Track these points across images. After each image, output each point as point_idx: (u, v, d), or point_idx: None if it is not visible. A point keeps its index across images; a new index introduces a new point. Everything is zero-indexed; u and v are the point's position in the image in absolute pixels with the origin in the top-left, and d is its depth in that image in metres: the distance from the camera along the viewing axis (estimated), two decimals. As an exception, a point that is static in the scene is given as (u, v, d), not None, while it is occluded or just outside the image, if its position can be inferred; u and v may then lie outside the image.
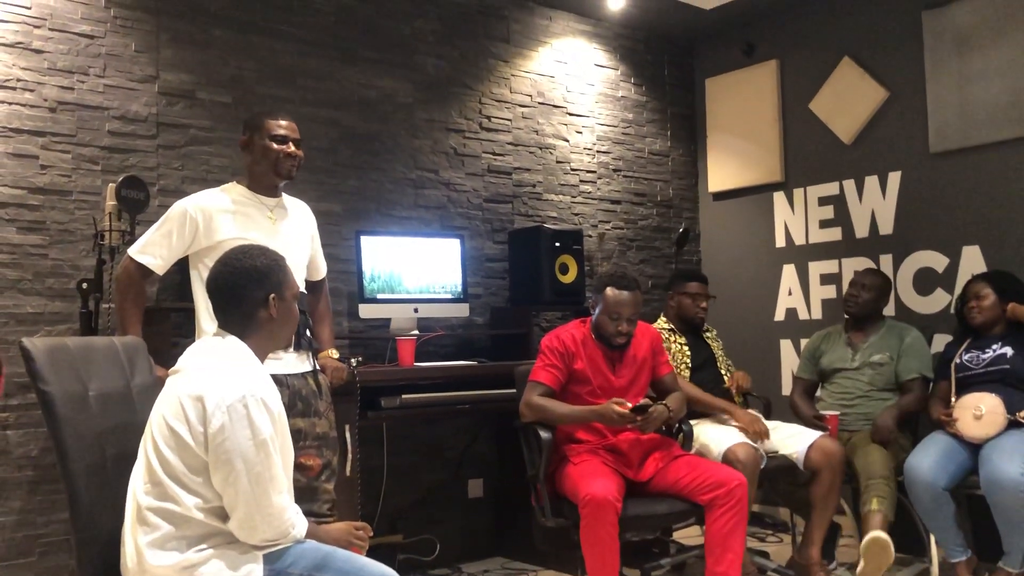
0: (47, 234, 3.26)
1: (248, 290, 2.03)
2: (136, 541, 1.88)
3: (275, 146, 2.82)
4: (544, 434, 3.15)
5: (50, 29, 3.30)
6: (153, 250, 2.77)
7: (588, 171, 4.90)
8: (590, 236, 4.82)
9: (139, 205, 3.13)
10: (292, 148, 2.85)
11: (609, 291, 3.23)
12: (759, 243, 5.07)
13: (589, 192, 4.89)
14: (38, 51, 3.27)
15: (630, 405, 3.05)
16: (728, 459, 3.35)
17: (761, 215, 5.06)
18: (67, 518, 2.07)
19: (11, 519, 3.14)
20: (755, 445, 3.45)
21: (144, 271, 2.78)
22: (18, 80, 3.22)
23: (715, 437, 3.47)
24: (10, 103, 3.20)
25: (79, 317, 3.13)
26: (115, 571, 1.96)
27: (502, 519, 4.29)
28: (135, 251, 2.79)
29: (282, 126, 2.85)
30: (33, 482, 3.17)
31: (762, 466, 3.39)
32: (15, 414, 3.15)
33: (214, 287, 2.07)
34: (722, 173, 5.24)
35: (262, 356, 2.06)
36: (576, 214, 4.82)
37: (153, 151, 3.52)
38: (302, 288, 2.83)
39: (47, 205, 3.27)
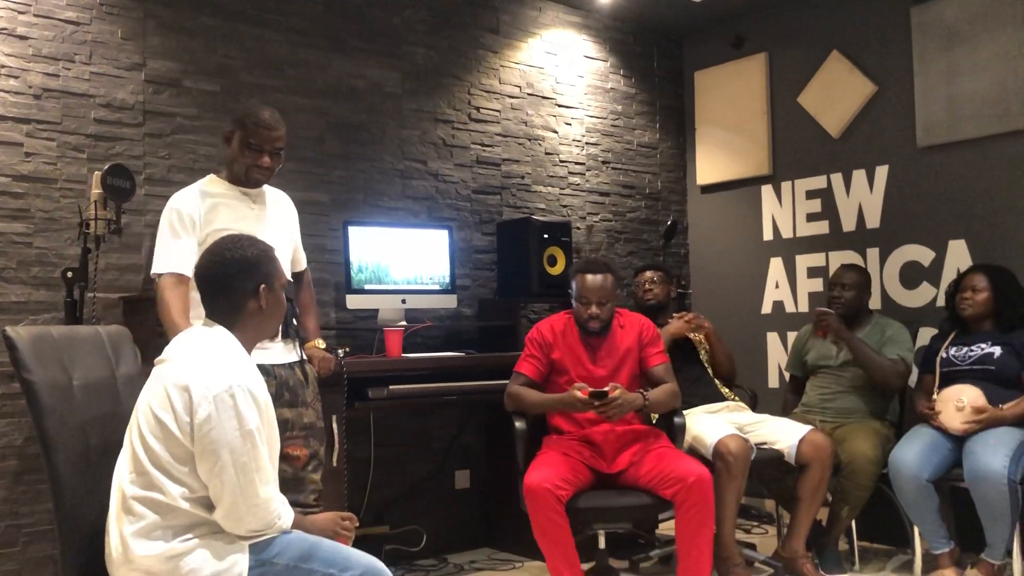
0: (32, 222, 3.23)
1: (238, 280, 2.02)
2: (121, 531, 1.88)
3: (247, 154, 2.76)
4: (518, 423, 3.26)
5: (35, 15, 3.27)
6: (174, 258, 2.69)
7: (577, 163, 4.89)
8: (579, 228, 4.82)
9: (125, 193, 3.11)
10: (266, 160, 2.77)
11: (578, 276, 3.29)
12: (746, 236, 5.08)
13: (578, 184, 4.89)
14: (23, 37, 3.24)
15: (595, 390, 3.05)
16: (719, 451, 3.36)
17: (749, 208, 5.07)
18: (51, 508, 2.05)
19: (-6, 509, 3.12)
20: (745, 436, 3.46)
21: (178, 279, 2.69)
22: (2, 67, 3.19)
23: (707, 429, 3.48)
24: (-6, 90, 3.17)
25: (64, 306, 3.10)
26: (100, 561, 1.95)
27: (489, 510, 4.30)
28: (159, 269, 2.69)
29: (261, 135, 2.76)
30: (17, 472, 3.15)
31: (752, 457, 3.40)
32: (2, 403, 3.13)
33: (203, 277, 2.06)
34: (710, 166, 5.25)
35: (249, 347, 2.05)
36: (565, 206, 4.82)
37: (139, 139, 3.49)
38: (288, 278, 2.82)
39: (32, 193, 3.24)
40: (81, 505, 1.99)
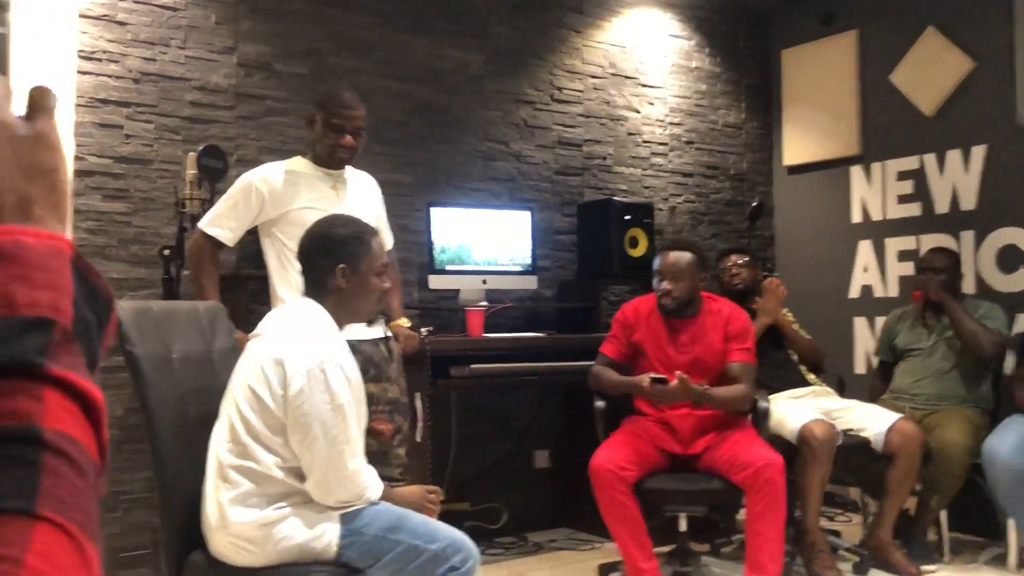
0: (131, 202, 3.36)
1: (318, 258, 2.09)
2: (218, 498, 1.95)
3: (330, 135, 2.84)
4: (598, 403, 3.28)
5: (134, 2, 3.38)
6: (221, 222, 2.85)
7: (660, 143, 4.84)
8: (661, 210, 4.77)
9: (218, 174, 3.20)
10: (348, 140, 2.85)
11: (659, 252, 3.26)
12: (834, 218, 4.96)
13: (660, 165, 4.84)
14: (122, 23, 3.36)
15: (659, 375, 3.01)
16: (803, 436, 3.31)
17: (837, 190, 4.95)
18: (150, 476, 2.15)
19: (97, 476, 3.26)
20: (831, 421, 3.40)
21: (215, 242, 2.86)
22: (104, 52, 3.32)
23: (790, 414, 3.43)
24: (97, 74, 3.30)
25: (161, 283, 3.22)
26: (197, 527, 2.03)
27: (568, 490, 4.31)
28: (205, 224, 2.87)
29: (342, 115, 2.84)
30: (118, 441, 3.30)
31: (838, 444, 3.34)
32: (101, 376, 3.25)
33: (298, 251, 2.13)
34: (797, 146, 5.13)
35: (341, 324, 2.10)
36: (647, 187, 4.77)
37: (232, 121, 3.59)
38: None
39: (131, 174, 3.37)
40: (180, 473, 2.08)
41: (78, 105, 3.26)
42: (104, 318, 0.58)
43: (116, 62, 3.34)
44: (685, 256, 3.19)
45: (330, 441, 1.92)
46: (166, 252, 3.20)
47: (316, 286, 2.09)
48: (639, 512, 2.96)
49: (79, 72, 3.26)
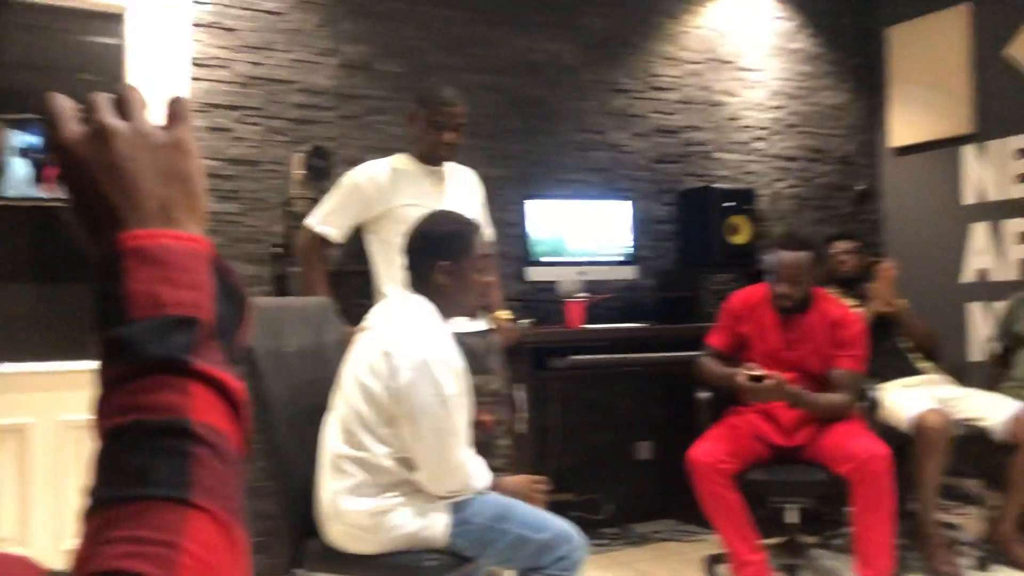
0: (241, 202, 3.49)
1: (421, 255, 2.13)
2: (331, 488, 2.01)
3: (433, 132, 2.89)
4: (701, 394, 3.23)
5: (241, 8, 3.50)
6: (329, 220, 2.93)
7: (761, 128, 4.73)
8: (763, 195, 4.67)
9: (323, 173, 3.29)
10: (450, 136, 2.90)
11: (774, 250, 3.14)
12: (945, 200, 4.76)
13: (762, 150, 4.73)
14: (230, 29, 3.48)
15: (756, 372, 2.93)
16: (917, 426, 3.20)
17: (948, 170, 4.74)
18: (266, 465, 2.23)
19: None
20: (947, 411, 3.27)
21: (323, 240, 2.94)
22: (213, 58, 3.45)
23: (903, 404, 3.32)
24: (208, 80, 3.43)
25: (272, 280, 3.34)
26: (312, 516, 2.09)
27: (672, 481, 4.26)
28: (313, 222, 2.95)
29: (443, 112, 2.89)
30: (234, 432, 3.43)
31: (955, 433, 3.21)
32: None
33: (404, 247, 2.18)
34: (906, 127, 4.94)
35: (445, 317, 2.13)
36: (748, 173, 4.68)
37: (334, 121, 3.68)
38: None
39: (240, 175, 3.49)
40: (294, 463, 2.15)
41: (191, 111, 3.39)
42: (241, 315, 0.61)
43: (225, 67, 3.47)
44: (804, 256, 3.04)
45: (438, 433, 1.95)
46: (276, 250, 3.31)
47: (420, 281, 2.13)
48: (741, 504, 2.92)
49: (192, 79, 3.40)
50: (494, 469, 2.80)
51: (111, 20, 3.38)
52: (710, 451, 2.96)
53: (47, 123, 0.63)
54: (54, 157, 0.63)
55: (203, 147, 3.41)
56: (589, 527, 4.03)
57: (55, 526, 3.18)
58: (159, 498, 0.49)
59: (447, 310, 2.14)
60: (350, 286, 3.51)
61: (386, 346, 1.99)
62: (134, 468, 0.50)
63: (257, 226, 3.50)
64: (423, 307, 2.09)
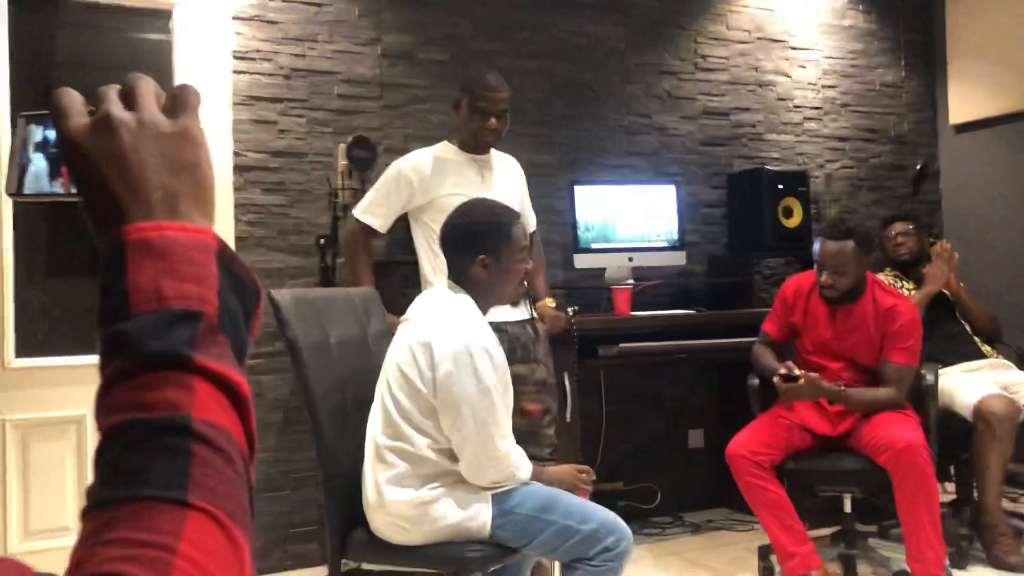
0: (287, 194, 3.50)
1: (459, 249, 2.10)
2: (375, 478, 2.01)
3: (476, 118, 2.86)
4: (752, 381, 3.19)
5: (283, 1, 3.51)
6: (374, 210, 2.93)
7: (813, 108, 4.62)
8: (816, 177, 4.56)
9: (367, 164, 3.29)
10: (494, 122, 2.87)
11: (818, 239, 3.03)
12: (1010, 178, 4.59)
13: (814, 130, 4.62)
14: (272, 22, 3.49)
15: (786, 372, 2.85)
16: (980, 412, 3.09)
17: (1012, 147, 4.57)
18: (314, 456, 2.23)
19: (267, 456, 3.45)
20: (1011, 396, 3.16)
21: (368, 230, 2.95)
22: (257, 51, 3.46)
23: (965, 389, 3.21)
24: (251, 73, 3.45)
25: (318, 271, 3.35)
26: (358, 504, 2.10)
27: (725, 470, 4.20)
28: (358, 212, 2.96)
29: (487, 97, 2.86)
30: (284, 423, 3.46)
31: (1020, 420, 3.10)
32: (268, 361, 3.44)
33: (441, 239, 2.16)
34: (966, 103, 4.78)
35: (484, 309, 2.11)
36: (800, 154, 4.57)
37: (377, 111, 3.67)
38: None
39: (286, 167, 3.51)
40: (340, 453, 2.15)
41: (235, 103, 3.42)
42: (251, 308, 0.59)
43: (268, 60, 3.48)
44: (847, 246, 2.92)
45: (479, 423, 1.93)
46: (322, 241, 3.32)
47: (459, 274, 2.11)
48: (783, 495, 2.87)
49: (234, 72, 3.42)
50: (541, 459, 2.80)
51: (160, 16, 3.42)
52: (745, 443, 2.92)
53: (55, 116, 0.62)
54: (61, 150, 0.62)
55: (248, 140, 3.44)
56: (640, 516, 4.01)
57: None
58: (157, 499, 0.47)
59: (487, 301, 2.12)
60: (397, 275, 3.51)
61: (426, 337, 1.98)
62: (133, 468, 0.49)
63: (303, 217, 3.52)
64: (462, 299, 2.07)
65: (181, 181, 0.59)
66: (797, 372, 2.84)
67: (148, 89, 0.62)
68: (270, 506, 3.44)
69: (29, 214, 3.23)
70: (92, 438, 3.22)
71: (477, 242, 2.09)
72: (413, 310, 2.12)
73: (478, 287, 2.09)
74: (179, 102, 0.62)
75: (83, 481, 3.21)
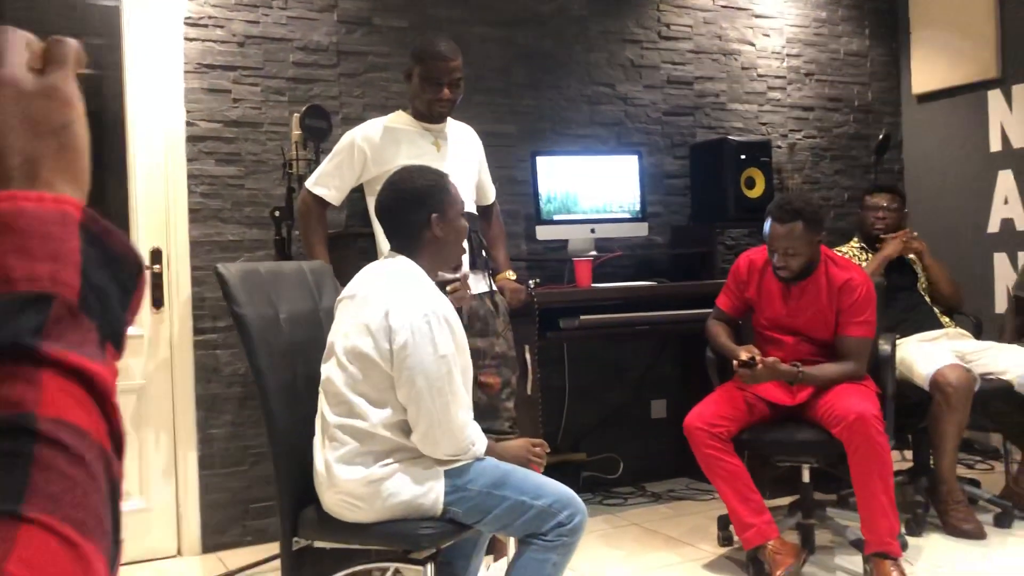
0: (242, 165, 3.43)
1: (410, 212, 2.07)
2: (325, 456, 1.98)
3: (428, 88, 2.80)
4: (709, 353, 3.21)
5: (235, -35, 3.41)
6: (326, 181, 2.87)
7: (777, 77, 4.59)
8: (779, 147, 4.55)
9: (322, 134, 3.22)
10: (446, 92, 2.81)
11: (768, 220, 2.98)
12: (970, 148, 4.61)
13: (778, 100, 4.60)
14: (236, -12, 3.39)
15: (752, 356, 2.84)
16: (936, 382, 3.11)
17: (973, 117, 4.59)
18: (263, 434, 2.19)
19: (224, 431, 3.40)
20: (967, 365, 3.19)
21: (321, 202, 2.88)
22: (209, 17, 3.37)
23: (922, 359, 3.23)
24: (203, 40, 3.36)
25: (274, 244, 3.29)
26: (310, 481, 2.06)
27: (686, 441, 4.22)
28: (311, 184, 2.90)
29: (439, 67, 2.79)
30: (241, 398, 3.41)
31: (976, 389, 3.13)
32: (223, 335, 3.38)
33: (380, 211, 2.12)
34: (928, 73, 4.77)
35: (432, 275, 2.08)
36: (764, 123, 4.55)
37: (335, 80, 3.60)
38: (469, 210, 2.83)
39: (241, 137, 3.43)
40: (291, 429, 2.12)
41: (186, 71, 3.33)
42: (130, 285, 0.53)
43: (221, 27, 3.39)
44: (796, 228, 2.88)
45: (435, 394, 1.91)
46: (276, 213, 3.25)
47: (408, 240, 2.07)
48: (741, 466, 2.88)
49: (186, 39, 3.33)
50: (500, 432, 2.78)
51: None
52: (702, 415, 2.92)
53: None
54: None
55: (201, 109, 3.36)
56: (603, 486, 4.02)
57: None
58: None
59: (436, 264, 2.10)
60: (355, 247, 3.46)
61: (380, 308, 1.94)
62: None
63: (259, 189, 3.45)
64: (409, 268, 2.03)
65: (45, 145, 0.53)
66: (757, 358, 2.83)
67: (14, 42, 0.56)
68: (228, 482, 3.40)
69: None
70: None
71: (426, 202, 2.06)
72: (359, 285, 2.07)
73: (430, 250, 2.07)
74: (51, 57, 0.56)
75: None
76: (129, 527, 3.27)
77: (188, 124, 3.34)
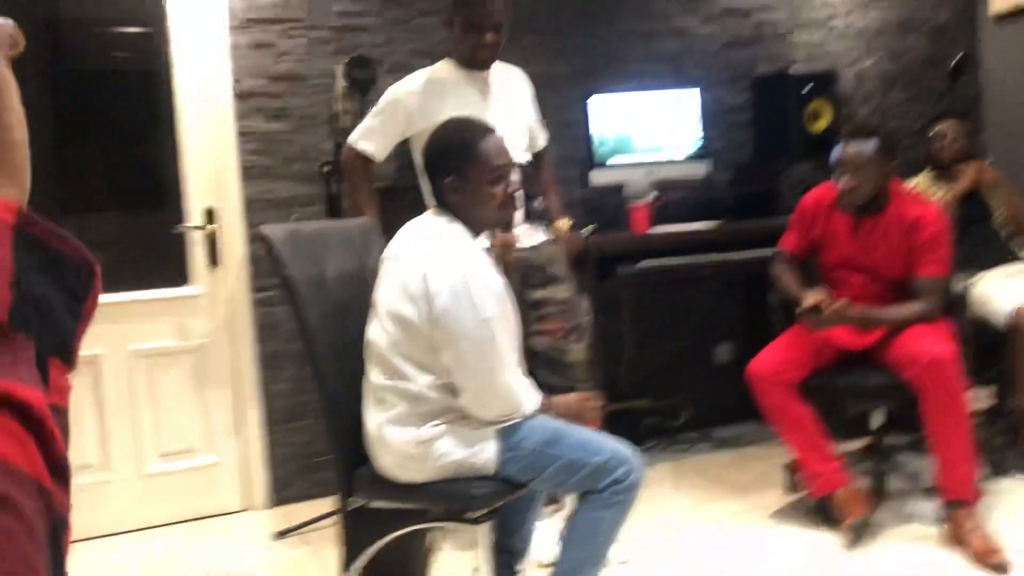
0: (290, 120, 3.39)
1: (433, 172, 2.02)
2: (375, 418, 1.96)
3: (469, 35, 2.70)
4: (771, 297, 3.09)
5: (273, -86, 3.33)
6: (371, 137, 2.81)
7: (841, 2, 4.35)
8: (846, 77, 4.32)
9: (367, 85, 3.16)
10: (489, 38, 2.70)
11: (839, 144, 2.84)
12: (1056, 67, 4.31)
13: (843, 26, 4.36)
14: (264, -62, 3.32)
15: (812, 302, 2.73)
16: (1018, 321, 2.95)
17: (1059, 33, 4.28)
18: (315, 396, 2.18)
19: (286, 387, 3.43)
20: None
21: (366, 157, 2.82)
22: (251, -30, 3.31)
23: (1002, 295, 3.06)
24: (245, -6, 3.30)
25: (324, 199, 3.26)
26: (361, 442, 2.04)
27: (753, 384, 4.13)
28: (354, 139, 2.84)
29: (480, 13, 2.68)
30: (301, 354, 3.41)
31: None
32: (280, 292, 3.38)
33: (419, 167, 2.06)
34: (1009, -12, 4.46)
35: (474, 233, 2.01)
36: (828, 52, 4.32)
37: (381, 27, 3.51)
38: (519, 159, 2.74)
39: (288, 92, 3.38)
40: (342, 390, 2.09)
41: (231, 27, 3.29)
42: (80, 289, 0.48)
43: (262, -21, 3.33)
44: (868, 146, 2.75)
45: (479, 356, 1.86)
46: (325, 168, 3.22)
47: (437, 197, 2.02)
48: (808, 414, 2.78)
49: (228, -6, 3.28)
50: (570, 378, 2.74)
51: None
52: (767, 361, 2.83)
53: None
54: None
55: (248, 65, 3.31)
56: (666, 433, 3.96)
57: (133, 452, 3.27)
58: None
59: (473, 225, 2.01)
60: (406, 201, 3.40)
61: (419, 270, 1.89)
62: None
63: (309, 144, 3.41)
64: (449, 227, 1.97)
65: None
66: (821, 299, 2.72)
67: None
68: (292, 437, 3.44)
69: (74, 147, 3.18)
70: (109, 378, 3.21)
71: (444, 162, 1.99)
72: (400, 244, 2.02)
73: (458, 211, 1.99)
74: None
75: (103, 419, 3.22)
76: (197, 483, 3.34)
77: (235, 81, 3.30)
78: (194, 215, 3.31)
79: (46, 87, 3.26)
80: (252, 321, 3.38)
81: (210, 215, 3.31)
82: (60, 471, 0.45)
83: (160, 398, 3.29)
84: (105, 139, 3.35)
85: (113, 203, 3.42)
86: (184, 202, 3.30)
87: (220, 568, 2.89)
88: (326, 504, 3.26)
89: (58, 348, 0.46)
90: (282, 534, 3.12)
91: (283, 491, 3.43)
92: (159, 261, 3.35)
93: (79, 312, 0.48)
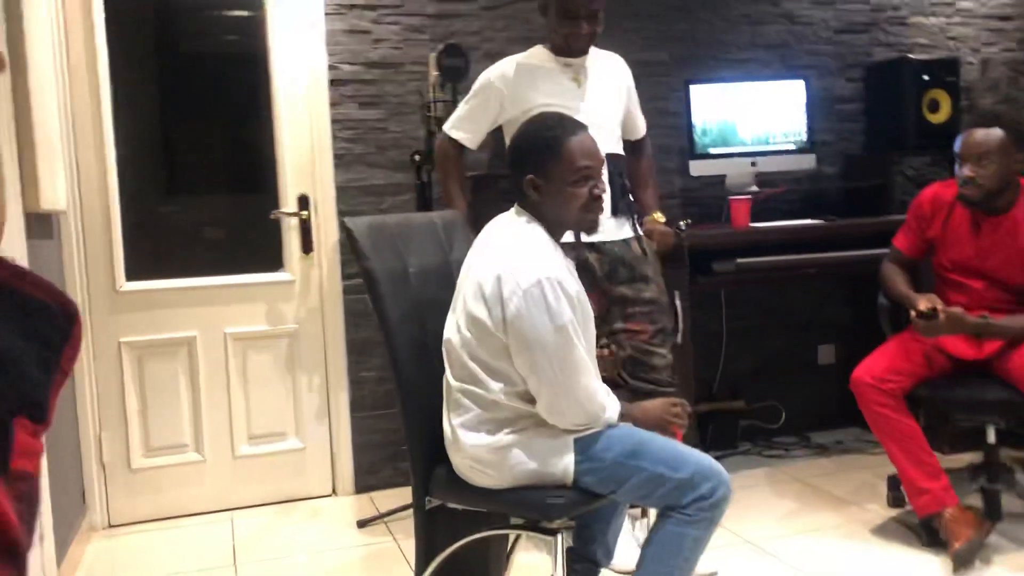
0: (385, 108, 3.37)
1: (514, 167, 1.94)
2: (450, 420, 1.91)
3: (565, 23, 2.59)
4: (881, 299, 2.92)
5: (371, -101, 3.31)
6: (464, 124, 2.74)
7: (969, -17, 4.07)
8: (970, 64, 4.04)
9: (459, 73, 3.11)
10: (584, 27, 2.59)
11: (962, 133, 2.64)
12: None
13: (969, 10, 4.07)
14: (362, -76, 3.30)
15: (933, 307, 2.53)
16: None
17: None
18: (394, 392, 2.14)
19: (374, 374, 3.43)
20: None
21: (459, 145, 2.76)
22: (347, -44, 3.29)
23: None
24: (342, -20, 3.29)
25: (416, 188, 3.23)
26: (440, 440, 2.00)
27: (856, 388, 3.92)
28: (448, 127, 2.78)
29: (575, 1, 2.58)
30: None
31: None
32: (353, 283, 3.37)
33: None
34: None
35: (555, 235, 1.93)
36: (952, 38, 4.05)
37: (476, 14, 3.46)
38: (612, 150, 2.63)
39: (383, 79, 3.36)
40: (420, 386, 2.05)
41: (327, 14, 3.28)
42: (55, 339, 0.43)
43: (359, -35, 3.31)
44: (994, 134, 2.55)
45: (556, 364, 1.78)
46: (416, 157, 3.19)
47: (519, 197, 1.94)
48: (914, 426, 2.60)
49: (325, -20, 3.27)
50: (656, 383, 2.63)
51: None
52: (871, 369, 2.66)
53: None
54: None
55: (343, 52, 3.31)
56: (763, 436, 3.81)
57: (226, 433, 3.32)
58: None
59: (554, 226, 1.92)
60: (496, 189, 3.35)
61: (493, 273, 1.82)
62: None
63: (403, 131, 3.39)
64: (528, 228, 1.89)
65: None
66: (939, 307, 2.54)
67: None
68: (380, 424, 3.45)
69: (138, 134, 3.24)
70: (204, 360, 3.28)
71: (525, 161, 1.90)
72: (482, 242, 1.95)
73: (539, 211, 1.91)
74: None
75: (197, 400, 3.28)
76: (286, 467, 3.38)
77: (330, 68, 3.30)
78: (289, 201, 3.33)
79: (154, 70, 3.33)
80: (343, 308, 3.39)
81: (304, 201, 3.33)
82: (9, 544, 0.40)
83: (252, 381, 3.34)
84: (209, 123, 3.40)
85: (215, 187, 3.47)
86: (280, 188, 3.33)
87: (303, 552, 2.91)
88: (410, 493, 3.25)
89: (29, 406, 0.41)
90: (363, 523, 3.12)
91: (370, 477, 3.44)
92: (257, 247, 3.39)
93: (55, 364, 0.42)
